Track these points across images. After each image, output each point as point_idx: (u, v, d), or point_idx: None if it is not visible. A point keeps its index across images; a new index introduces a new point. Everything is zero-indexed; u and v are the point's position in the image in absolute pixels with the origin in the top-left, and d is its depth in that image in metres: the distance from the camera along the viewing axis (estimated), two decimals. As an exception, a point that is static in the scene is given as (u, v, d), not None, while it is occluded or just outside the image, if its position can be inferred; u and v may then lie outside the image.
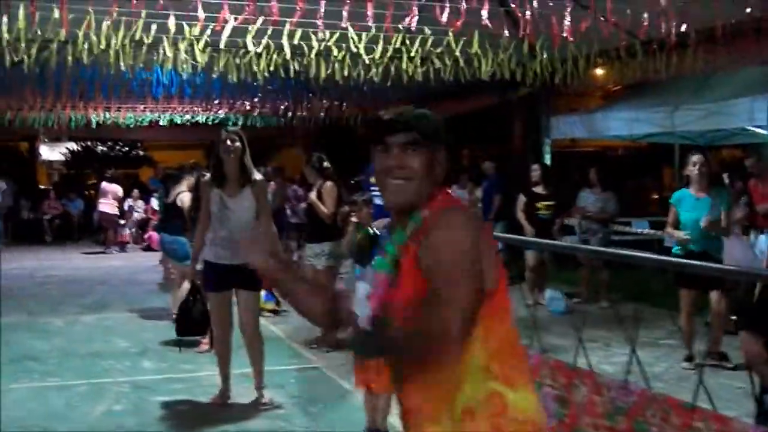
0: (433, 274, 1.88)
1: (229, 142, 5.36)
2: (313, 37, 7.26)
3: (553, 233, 9.07)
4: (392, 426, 4.52)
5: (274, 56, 7.69)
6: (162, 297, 9.88)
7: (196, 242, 5.79)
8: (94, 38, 6.89)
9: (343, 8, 6.58)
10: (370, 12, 6.55)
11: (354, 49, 7.47)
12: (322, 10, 6.50)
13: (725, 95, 9.39)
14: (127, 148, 26.07)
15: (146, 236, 16.72)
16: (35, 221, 18.98)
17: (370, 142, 2.09)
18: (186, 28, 6.96)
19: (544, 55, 8.35)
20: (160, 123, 15.49)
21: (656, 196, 18.72)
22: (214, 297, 5.66)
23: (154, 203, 15.82)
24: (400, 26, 6.99)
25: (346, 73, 8.09)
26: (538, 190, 9.29)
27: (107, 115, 14.38)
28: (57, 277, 12.50)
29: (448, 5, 6.65)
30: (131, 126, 15.68)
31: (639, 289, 8.14)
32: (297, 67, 7.99)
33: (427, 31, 7.40)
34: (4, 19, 6.32)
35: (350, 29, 6.98)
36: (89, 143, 25.15)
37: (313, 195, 7.44)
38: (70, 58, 7.18)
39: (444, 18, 6.66)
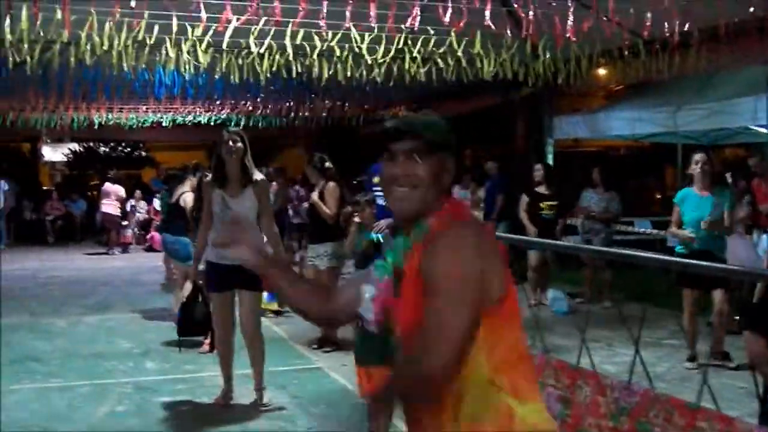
0: (432, 293, 1.87)
1: (230, 143, 5.36)
2: (315, 37, 7.25)
3: (557, 233, 9.07)
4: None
5: (277, 57, 7.68)
6: (164, 298, 9.88)
7: (198, 243, 5.79)
8: (96, 39, 6.89)
9: (345, 8, 6.57)
10: (372, 12, 6.54)
11: (356, 50, 7.46)
12: (325, 10, 6.49)
13: (728, 95, 9.38)
14: (129, 149, 26.12)
15: (148, 237, 16.75)
16: (38, 222, 18.99)
17: (377, 150, 2.08)
18: (188, 28, 6.95)
19: (547, 55, 8.34)
20: (163, 124, 15.49)
21: (659, 196, 18.71)
22: (216, 297, 5.66)
23: (157, 204, 15.83)
24: (402, 26, 6.98)
25: (348, 73, 8.08)
26: (541, 190, 9.29)
27: (110, 116, 14.40)
28: (59, 278, 12.51)
29: (450, 5, 6.64)
30: (134, 127, 15.70)
31: (642, 289, 8.12)
32: (299, 68, 7.98)
33: (430, 31, 7.39)
34: (7, 20, 6.32)
35: (353, 29, 6.97)
36: (92, 144, 25.20)
37: (315, 195, 7.44)
38: (72, 59, 7.18)
39: (447, 18, 6.65)
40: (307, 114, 14.43)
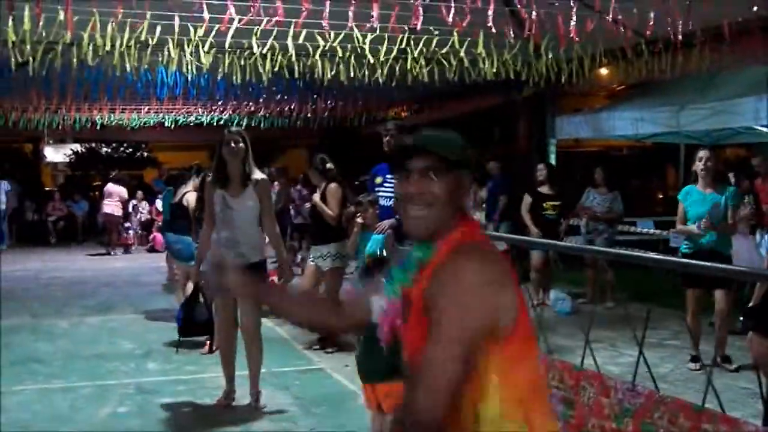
0: (433, 327, 1.83)
1: (232, 143, 5.36)
2: (318, 37, 7.24)
3: (560, 233, 9.06)
4: None
5: (279, 57, 7.68)
6: (166, 298, 9.88)
7: (200, 243, 5.79)
8: (99, 40, 6.89)
9: (348, 9, 6.56)
10: (375, 12, 6.53)
11: (359, 50, 7.45)
12: (328, 10, 6.48)
13: (731, 94, 9.35)
14: (131, 150, 26.11)
15: (151, 237, 16.76)
16: (40, 223, 19.01)
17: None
18: (191, 29, 6.95)
19: (549, 55, 8.32)
20: (165, 124, 15.51)
21: (661, 196, 18.70)
22: (218, 298, 5.65)
23: (159, 204, 15.83)
24: (405, 27, 6.97)
25: (351, 73, 8.08)
26: (544, 190, 9.27)
27: (112, 117, 14.43)
28: (61, 279, 12.51)
29: (453, 5, 6.63)
30: (136, 127, 15.73)
31: (644, 290, 8.12)
32: (302, 68, 7.98)
33: (433, 31, 7.38)
34: (10, 20, 6.31)
35: (355, 30, 6.96)
36: (94, 145, 25.19)
37: (317, 197, 7.43)
38: (75, 59, 7.18)
39: (449, 18, 6.64)
40: (309, 114, 14.43)
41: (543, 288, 9.27)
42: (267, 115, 14.82)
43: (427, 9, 6.84)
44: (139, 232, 17.70)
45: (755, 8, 6.73)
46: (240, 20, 6.58)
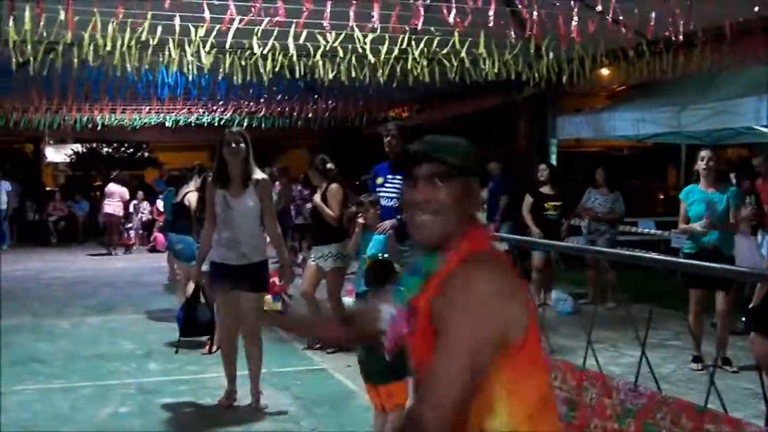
0: (440, 338, 1.80)
1: (233, 143, 5.35)
2: (319, 38, 7.24)
3: (561, 234, 9.05)
4: None
5: (280, 57, 7.67)
6: (167, 298, 9.88)
7: (201, 243, 5.78)
8: (99, 40, 6.88)
9: (349, 9, 6.55)
10: (376, 13, 6.52)
11: (360, 50, 7.44)
12: (328, 10, 6.47)
13: (732, 94, 9.35)
14: (132, 150, 26.11)
15: (152, 238, 16.76)
16: (41, 223, 19.02)
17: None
18: (191, 29, 6.94)
19: (550, 56, 8.32)
20: (166, 124, 15.50)
21: (662, 196, 18.69)
22: (220, 298, 5.65)
23: (160, 205, 15.84)
24: (406, 27, 6.96)
25: (352, 74, 8.07)
26: (546, 190, 9.27)
27: (112, 117, 14.42)
28: (62, 279, 12.51)
29: (454, 6, 6.62)
30: (136, 127, 15.72)
31: (646, 290, 8.11)
32: (302, 69, 7.97)
33: (434, 31, 7.37)
34: (10, 20, 6.31)
35: (356, 30, 6.95)
36: (95, 145, 25.20)
37: (317, 197, 7.42)
38: (75, 59, 7.17)
39: (450, 19, 6.64)
40: (310, 114, 14.42)
41: (544, 288, 9.27)
42: (268, 115, 14.80)
43: (428, 9, 6.84)
44: (140, 232, 17.70)
45: (756, 8, 6.73)
46: (241, 20, 6.57)
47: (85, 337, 8.12)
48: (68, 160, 25.23)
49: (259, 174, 5.50)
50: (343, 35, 7.21)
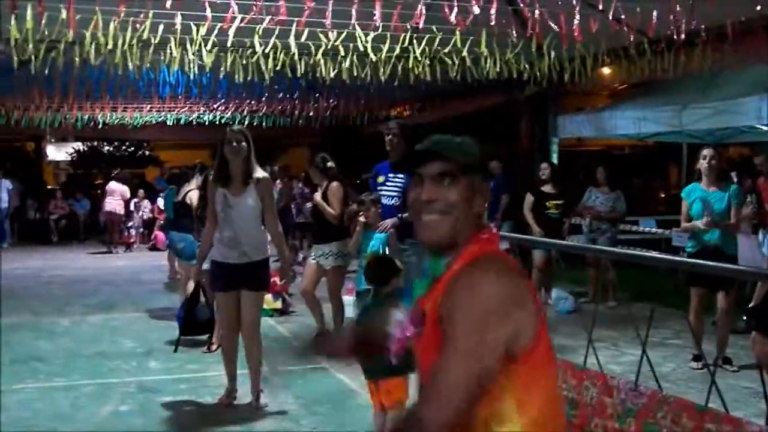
0: (446, 341, 1.76)
1: (234, 142, 5.35)
2: (320, 36, 7.23)
3: (563, 232, 9.05)
4: None
5: (281, 56, 7.67)
6: (168, 297, 9.88)
7: (202, 242, 5.78)
8: (101, 38, 6.87)
9: (351, 7, 6.55)
10: (377, 11, 6.52)
11: (361, 49, 7.44)
12: (330, 9, 6.47)
13: (733, 94, 9.34)
14: (133, 148, 26.08)
15: (152, 236, 16.76)
16: (42, 221, 19.02)
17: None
18: (193, 28, 6.94)
19: (552, 54, 8.31)
20: (167, 123, 15.50)
21: (663, 195, 18.68)
22: (221, 296, 5.65)
23: (160, 203, 15.85)
24: (407, 26, 6.96)
25: (353, 72, 8.06)
26: (547, 189, 9.26)
27: (114, 115, 14.43)
28: (63, 277, 12.51)
29: (456, 4, 6.62)
30: (138, 126, 15.72)
31: (646, 289, 8.12)
32: (304, 67, 7.97)
33: (435, 30, 7.37)
34: (12, 19, 6.31)
35: (358, 29, 6.95)
36: (96, 143, 25.17)
37: (318, 196, 7.42)
38: (77, 58, 7.17)
39: (452, 17, 6.63)
40: (311, 113, 14.42)
41: (545, 287, 9.27)
42: (269, 113, 14.80)
43: (430, 8, 6.83)
44: (141, 230, 17.70)
45: (759, 7, 6.72)
46: (242, 19, 6.57)
47: (85, 336, 8.12)
48: (69, 158, 25.21)
49: (260, 172, 5.50)
50: (344, 34, 7.21)
